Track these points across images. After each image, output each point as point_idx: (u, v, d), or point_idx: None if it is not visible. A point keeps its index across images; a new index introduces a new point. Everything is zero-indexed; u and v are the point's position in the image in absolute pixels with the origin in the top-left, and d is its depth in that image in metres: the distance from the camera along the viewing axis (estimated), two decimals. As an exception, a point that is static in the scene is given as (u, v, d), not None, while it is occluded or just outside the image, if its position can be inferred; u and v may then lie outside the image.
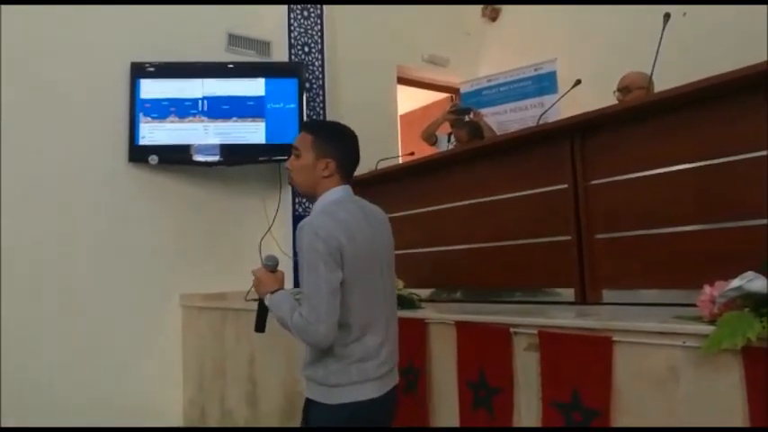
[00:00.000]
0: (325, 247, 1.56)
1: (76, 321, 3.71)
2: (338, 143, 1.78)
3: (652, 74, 2.74)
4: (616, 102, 2.97)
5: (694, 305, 1.52)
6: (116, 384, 3.79)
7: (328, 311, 1.54)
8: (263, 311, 1.77)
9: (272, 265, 1.78)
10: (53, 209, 3.71)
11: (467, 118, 4.26)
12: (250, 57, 4.54)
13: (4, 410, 3.36)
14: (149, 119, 4.05)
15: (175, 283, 4.06)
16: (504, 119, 4.86)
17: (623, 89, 3.13)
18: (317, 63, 4.66)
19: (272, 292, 1.70)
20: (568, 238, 2.47)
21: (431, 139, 4.42)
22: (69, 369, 3.65)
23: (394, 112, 5.40)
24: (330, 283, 1.56)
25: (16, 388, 3.43)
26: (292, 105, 4.26)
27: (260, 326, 1.79)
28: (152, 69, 4.08)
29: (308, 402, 1.69)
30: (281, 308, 1.64)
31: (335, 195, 1.73)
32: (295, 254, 1.73)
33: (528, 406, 1.80)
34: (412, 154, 3.99)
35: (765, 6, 3.41)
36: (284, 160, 2.28)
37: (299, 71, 4.39)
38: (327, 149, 1.74)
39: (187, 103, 4.12)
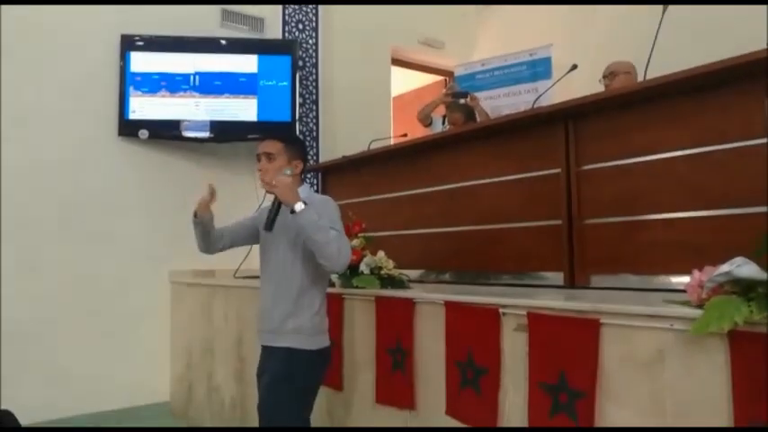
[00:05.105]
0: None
1: (64, 296, 3.70)
2: (302, 150, 2.23)
3: (649, 61, 2.74)
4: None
5: (683, 291, 1.53)
6: (103, 359, 3.79)
7: (349, 249, 1.99)
8: (276, 213, 1.99)
9: (290, 175, 2.08)
10: (41, 183, 3.67)
11: (462, 101, 4.24)
12: (243, 33, 4.48)
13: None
14: (139, 93, 3.99)
15: (165, 258, 4.04)
16: (497, 103, 4.86)
17: (609, 75, 3.23)
18: (311, 41, 4.61)
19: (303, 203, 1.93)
20: (559, 222, 2.48)
21: (426, 120, 4.40)
22: (56, 344, 3.64)
23: (387, 94, 5.37)
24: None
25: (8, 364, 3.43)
26: (285, 83, 4.22)
27: (270, 226, 2.01)
28: (142, 43, 4.02)
29: (291, 352, 2.02)
30: (318, 220, 1.91)
31: (306, 191, 2.12)
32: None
33: (515, 386, 1.82)
34: (405, 135, 3.97)
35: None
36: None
37: (293, 49, 4.34)
38: (296, 154, 2.17)
39: (178, 78, 4.06)
